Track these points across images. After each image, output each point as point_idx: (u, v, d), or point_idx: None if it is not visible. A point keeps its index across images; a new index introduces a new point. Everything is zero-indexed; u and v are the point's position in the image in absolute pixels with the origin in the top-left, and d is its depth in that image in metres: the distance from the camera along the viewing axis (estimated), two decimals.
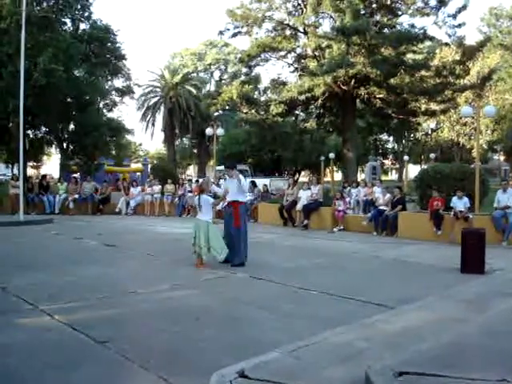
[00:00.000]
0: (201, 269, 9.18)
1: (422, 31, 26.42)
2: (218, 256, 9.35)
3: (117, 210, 21.88)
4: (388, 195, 15.75)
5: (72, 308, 6.47)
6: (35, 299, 6.78)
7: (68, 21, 28.75)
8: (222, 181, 10.75)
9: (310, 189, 17.53)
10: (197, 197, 9.79)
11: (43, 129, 29.03)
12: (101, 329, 5.56)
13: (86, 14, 29.11)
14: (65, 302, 6.78)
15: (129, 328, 5.79)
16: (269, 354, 4.46)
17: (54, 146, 32.97)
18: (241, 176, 10.29)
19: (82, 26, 29.87)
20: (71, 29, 28.84)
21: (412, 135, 52.70)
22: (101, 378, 4.32)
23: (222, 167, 32.74)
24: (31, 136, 29.21)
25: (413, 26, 27.08)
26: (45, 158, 51.92)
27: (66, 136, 27.90)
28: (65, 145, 28.32)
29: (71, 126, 27.90)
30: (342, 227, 15.99)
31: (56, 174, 38.30)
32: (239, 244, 9.80)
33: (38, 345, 5.12)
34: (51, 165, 58.99)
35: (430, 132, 53.25)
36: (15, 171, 30.04)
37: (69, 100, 25.17)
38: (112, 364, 4.64)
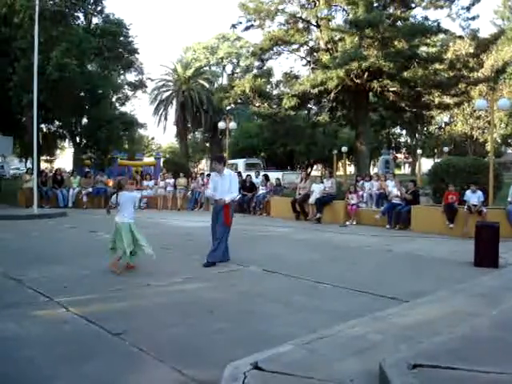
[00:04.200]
0: (117, 272, 8.19)
1: (435, 24, 26.30)
2: (149, 251, 8.40)
3: None
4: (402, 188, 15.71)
5: (87, 300, 6.52)
6: (50, 292, 6.84)
7: (81, 15, 28.90)
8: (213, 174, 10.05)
9: (322, 182, 17.51)
10: (114, 195, 8.92)
11: (56, 123, 29.22)
12: (115, 321, 5.60)
13: (99, 9, 29.22)
14: (80, 294, 6.83)
15: (143, 320, 5.82)
16: (282, 346, 4.46)
17: (67, 139, 33.16)
18: (232, 172, 10.01)
19: (95, 21, 30.01)
20: (84, 23, 28.95)
21: (425, 129, 52.46)
22: (116, 370, 4.35)
23: (234, 160, 32.85)
24: (45, 130, 29.42)
25: (426, 18, 27.00)
26: (58, 151, 52.24)
27: (79, 130, 28.03)
28: (78, 139, 28.46)
29: (84, 120, 28.04)
30: (354, 222, 15.96)
31: (69, 167, 38.49)
32: (222, 243, 9.26)
33: (54, 337, 5.17)
34: (64, 159, 59.35)
35: (443, 125, 53.00)
36: (29, 165, 30.28)
37: (82, 94, 25.27)
38: (127, 356, 4.68)
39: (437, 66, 27.34)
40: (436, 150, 57.10)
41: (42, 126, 27.50)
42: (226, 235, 9.39)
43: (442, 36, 29.64)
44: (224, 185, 9.41)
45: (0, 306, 6.26)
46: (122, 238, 8.27)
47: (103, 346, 4.90)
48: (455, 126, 49.70)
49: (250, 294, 7.00)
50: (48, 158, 53.73)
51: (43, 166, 41.65)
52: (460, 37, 29.69)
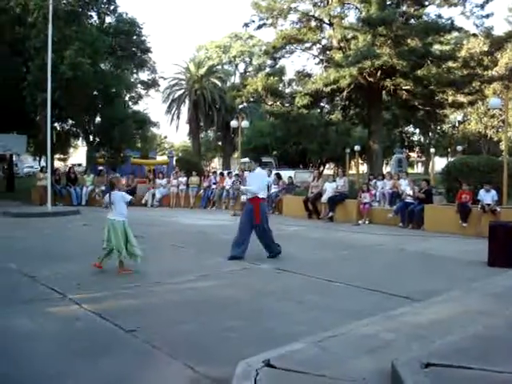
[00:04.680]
0: (122, 273, 8.11)
1: (449, 22, 26.09)
2: (138, 259, 8.24)
3: (143, 201, 22.07)
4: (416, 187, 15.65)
5: (100, 297, 6.57)
6: (64, 288, 6.90)
7: (94, 14, 28.95)
8: (246, 173, 10.50)
9: (335, 181, 17.47)
10: (107, 194, 8.71)
11: (70, 121, 29.32)
12: (128, 318, 5.64)
13: (112, 8, 29.29)
14: (93, 291, 6.89)
15: (155, 317, 5.85)
16: (294, 344, 4.46)
17: (80, 138, 33.31)
18: (262, 171, 10.29)
19: (108, 20, 30.07)
20: (97, 22, 29.02)
21: (439, 127, 52.17)
22: (129, 366, 4.39)
23: (246, 159, 32.84)
24: (58, 129, 29.55)
25: (440, 16, 26.80)
26: (71, 150, 52.54)
27: (92, 128, 28.15)
28: (91, 137, 28.59)
29: (97, 119, 28.13)
30: (366, 221, 15.90)
31: (82, 166, 38.73)
32: (266, 239, 9.70)
33: (68, 333, 5.23)
34: (78, 157, 59.69)
35: (457, 124, 52.71)
36: (42, 163, 30.48)
37: (95, 93, 25.34)
38: (140, 352, 4.71)
39: (450, 64, 27.19)
40: (449, 149, 56.79)
41: (56, 124, 27.63)
42: (265, 233, 9.67)
43: (455, 34, 29.51)
44: (252, 181, 10.02)
45: (14, 302, 6.33)
46: (118, 237, 8.16)
47: (116, 343, 4.94)
48: (469, 124, 49.40)
49: (262, 293, 7.01)
50: (61, 156, 54.02)
51: (57, 164, 41.90)
52: (474, 35, 29.49)
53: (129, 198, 8.45)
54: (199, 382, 4.09)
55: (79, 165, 49.61)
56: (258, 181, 9.95)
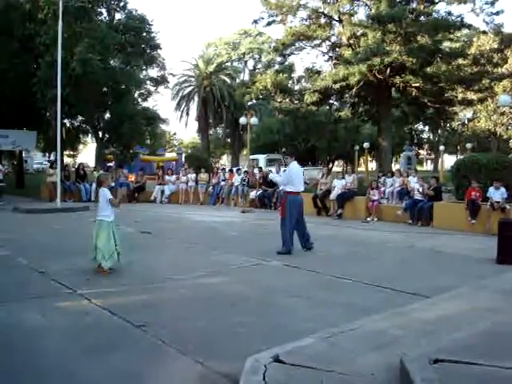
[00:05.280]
0: (103, 274, 7.70)
1: (458, 19, 25.99)
2: (103, 262, 7.73)
3: (152, 198, 22.16)
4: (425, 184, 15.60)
5: (109, 293, 6.61)
6: (73, 284, 6.95)
7: (104, 11, 28.99)
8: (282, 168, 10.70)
9: (344, 178, 17.45)
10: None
11: (79, 118, 29.39)
12: (138, 313, 5.67)
13: (122, 4, 29.33)
14: (102, 286, 6.93)
15: (165, 313, 5.88)
16: (303, 340, 4.48)
17: (90, 134, 33.37)
18: (296, 166, 10.46)
19: (118, 16, 30.09)
20: (107, 19, 29.06)
21: (448, 125, 51.94)
22: (139, 361, 4.41)
23: (255, 156, 32.86)
24: (68, 125, 29.64)
25: (450, 13, 26.67)
26: (81, 146, 52.69)
27: (101, 125, 28.21)
28: (101, 134, 28.66)
29: (107, 115, 28.19)
30: (375, 218, 15.87)
31: (92, 162, 38.84)
32: (283, 233, 10.03)
33: (78, 328, 5.26)
34: (87, 153, 59.88)
35: (466, 121, 52.42)
36: (52, 159, 30.59)
37: (105, 89, 25.39)
38: (149, 347, 4.74)
39: (460, 61, 27.08)
40: (459, 147, 56.58)
41: (66, 121, 27.70)
42: (288, 226, 10.00)
43: (465, 31, 29.38)
44: (283, 174, 10.69)
45: (25, 297, 6.38)
46: (98, 237, 7.79)
47: (126, 338, 4.98)
48: (478, 122, 49.09)
49: (271, 289, 7.03)
50: (71, 152, 54.23)
51: (66, 160, 42.04)
52: (484, 32, 29.37)
53: (109, 196, 7.93)
54: (208, 377, 4.11)
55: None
56: (286, 174, 10.39)
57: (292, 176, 10.27)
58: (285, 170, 10.98)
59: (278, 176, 10.70)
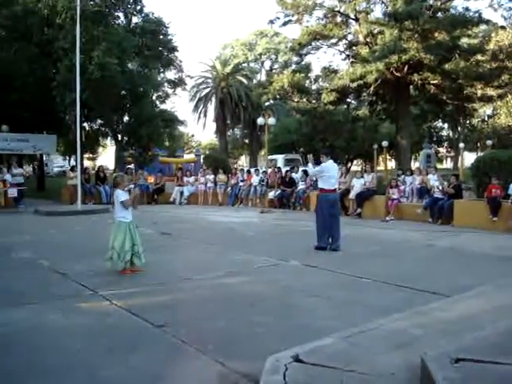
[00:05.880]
0: (127, 274, 7.81)
1: (476, 14, 25.74)
2: (119, 262, 7.76)
3: (171, 199, 22.28)
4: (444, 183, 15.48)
5: (130, 293, 6.65)
6: (94, 285, 7.01)
7: (121, 15, 29.14)
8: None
9: (362, 177, 17.38)
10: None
11: (98, 121, 29.61)
12: (158, 314, 5.71)
13: (138, 8, 29.44)
14: (123, 287, 6.98)
15: (185, 313, 5.91)
16: (323, 339, 4.46)
17: (109, 137, 33.58)
18: (330, 164, 10.60)
19: (135, 20, 30.20)
20: (124, 22, 29.22)
21: (468, 122, 51.35)
22: (159, 361, 4.44)
23: (273, 156, 32.83)
24: (87, 128, 29.87)
25: (467, 9, 26.42)
26: (100, 149, 53.06)
27: (120, 128, 28.38)
28: (120, 136, 28.83)
29: (126, 118, 28.34)
30: (392, 218, 15.74)
31: (111, 165, 39.09)
32: (317, 230, 10.40)
33: (99, 328, 5.31)
34: (107, 156, 60.29)
35: (486, 118, 51.84)
36: (72, 163, 30.87)
37: (123, 92, 25.54)
38: (170, 347, 4.77)
39: (479, 57, 26.83)
40: (479, 144, 55.87)
41: (85, 124, 27.93)
42: (319, 222, 10.40)
43: (483, 27, 29.09)
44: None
45: (47, 298, 6.45)
46: (115, 238, 7.80)
47: (146, 338, 5.01)
48: (499, 118, 48.52)
49: (290, 288, 7.03)
50: (91, 155, 54.61)
51: (86, 163, 42.33)
52: (502, 27, 29.10)
53: (121, 198, 7.92)
54: (228, 376, 4.12)
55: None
56: (318, 168, 10.69)
57: (323, 172, 10.50)
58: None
59: (312, 168, 10.91)
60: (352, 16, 29.32)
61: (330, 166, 10.56)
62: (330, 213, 10.37)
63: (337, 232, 10.36)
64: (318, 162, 11.09)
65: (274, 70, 58.61)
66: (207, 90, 56.34)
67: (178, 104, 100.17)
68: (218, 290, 6.90)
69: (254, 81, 54.81)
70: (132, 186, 21.30)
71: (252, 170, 24.63)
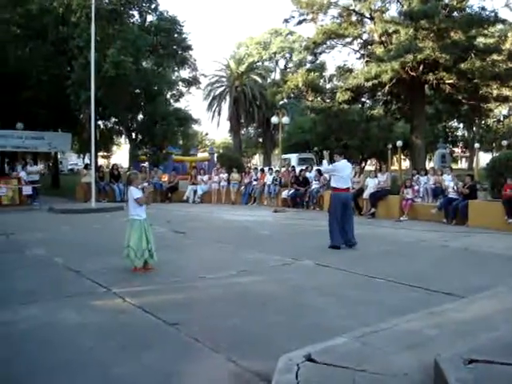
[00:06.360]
0: (141, 272, 7.85)
1: (492, 14, 25.49)
2: (136, 260, 7.82)
3: (184, 198, 22.36)
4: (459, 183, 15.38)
5: (143, 291, 6.68)
6: (108, 282, 7.05)
7: (136, 13, 29.28)
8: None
9: (376, 177, 17.31)
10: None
11: (113, 119, 29.78)
12: (171, 312, 5.73)
13: (153, 6, 29.54)
14: (136, 285, 7.01)
15: (198, 311, 5.92)
16: (336, 339, 4.45)
17: (123, 136, 33.75)
18: (343, 164, 10.70)
19: (149, 18, 30.33)
20: (139, 21, 29.34)
21: (483, 122, 51.00)
22: (173, 359, 4.45)
23: (287, 155, 32.80)
24: (101, 126, 30.06)
25: (483, 8, 26.14)
26: (114, 147, 53.36)
27: (135, 126, 28.51)
28: (134, 135, 28.96)
29: (140, 117, 28.47)
30: (406, 218, 15.65)
31: (125, 163, 39.27)
32: (330, 229, 10.45)
33: (112, 326, 5.34)
34: (121, 154, 60.59)
35: (502, 118, 51.46)
36: (86, 161, 31.07)
37: (137, 91, 25.66)
38: (183, 345, 4.78)
39: (495, 57, 26.57)
40: (494, 144, 55.46)
41: (99, 122, 28.11)
42: (331, 221, 10.47)
43: (499, 26, 28.79)
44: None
45: (61, 296, 6.49)
46: (131, 236, 7.82)
47: (159, 336, 5.02)
48: None
49: (303, 288, 7.01)
50: (105, 154, 54.91)
51: (100, 161, 42.57)
52: None
53: (135, 195, 7.92)
54: (242, 375, 4.12)
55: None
56: (331, 167, 10.79)
57: (335, 171, 10.61)
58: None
59: (326, 166, 11.01)
60: (367, 15, 29.20)
61: (343, 166, 10.62)
62: (343, 212, 10.43)
63: (350, 230, 10.47)
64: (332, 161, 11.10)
65: (288, 69, 58.63)
66: (221, 89, 56.42)
67: (192, 103, 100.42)
68: (231, 289, 6.90)
69: (269, 80, 54.76)
70: (146, 184, 21.46)
71: (266, 168, 24.62)
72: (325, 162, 11.16)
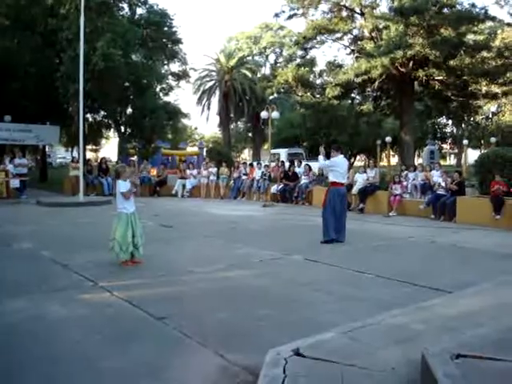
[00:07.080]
0: (128, 265, 7.83)
1: (482, 11, 25.62)
2: (121, 253, 7.78)
3: (173, 192, 22.28)
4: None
5: (131, 285, 6.65)
6: (95, 276, 7.01)
7: (125, 6, 29.13)
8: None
9: (365, 172, 17.36)
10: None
11: (102, 112, 29.63)
12: (159, 305, 5.70)
13: None
14: (124, 279, 6.98)
15: (186, 305, 5.90)
16: (324, 334, 4.45)
17: (112, 129, 33.60)
18: (339, 159, 10.74)
19: (139, 11, 30.18)
20: (128, 14, 29.19)
21: (472, 119, 51.23)
22: (160, 353, 4.43)
23: (277, 150, 32.79)
24: (90, 120, 29.89)
25: (473, 5, 26.29)
26: (103, 141, 53.07)
27: (123, 119, 28.39)
28: (123, 128, 28.84)
29: (129, 110, 28.35)
30: (395, 213, 15.70)
31: (114, 157, 39.09)
32: (324, 224, 10.43)
33: (99, 319, 5.31)
34: (109, 148, 60.32)
35: (490, 115, 51.72)
36: (75, 154, 30.89)
37: (127, 84, 25.54)
38: (170, 339, 4.76)
39: (484, 54, 26.72)
40: (483, 141, 55.72)
41: (88, 115, 27.94)
42: (325, 216, 10.45)
43: (489, 23, 28.94)
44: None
45: (48, 289, 6.45)
46: (116, 229, 7.79)
47: (147, 330, 5.01)
48: (503, 115, 48.43)
49: (292, 282, 7.01)
50: (93, 147, 54.62)
51: (88, 155, 42.37)
52: (508, 24, 28.94)
53: (122, 188, 7.86)
54: (228, 369, 4.11)
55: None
56: (328, 162, 10.84)
57: (334, 166, 10.66)
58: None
59: (323, 161, 11.04)
60: (357, 10, 29.25)
61: (341, 161, 10.73)
62: (340, 206, 10.52)
63: (343, 225, 10.56)
64: (328, 156, 11.18)
65: (278, 64, 58.50)
66: (211, 83, 56.21)
67: (182, 97, 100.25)
68: (220, 283, 6.89)
69: (259, 74, 54.68)
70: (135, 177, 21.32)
71: (255, 163, 24.59)
72: (321, 157, 11.17)
